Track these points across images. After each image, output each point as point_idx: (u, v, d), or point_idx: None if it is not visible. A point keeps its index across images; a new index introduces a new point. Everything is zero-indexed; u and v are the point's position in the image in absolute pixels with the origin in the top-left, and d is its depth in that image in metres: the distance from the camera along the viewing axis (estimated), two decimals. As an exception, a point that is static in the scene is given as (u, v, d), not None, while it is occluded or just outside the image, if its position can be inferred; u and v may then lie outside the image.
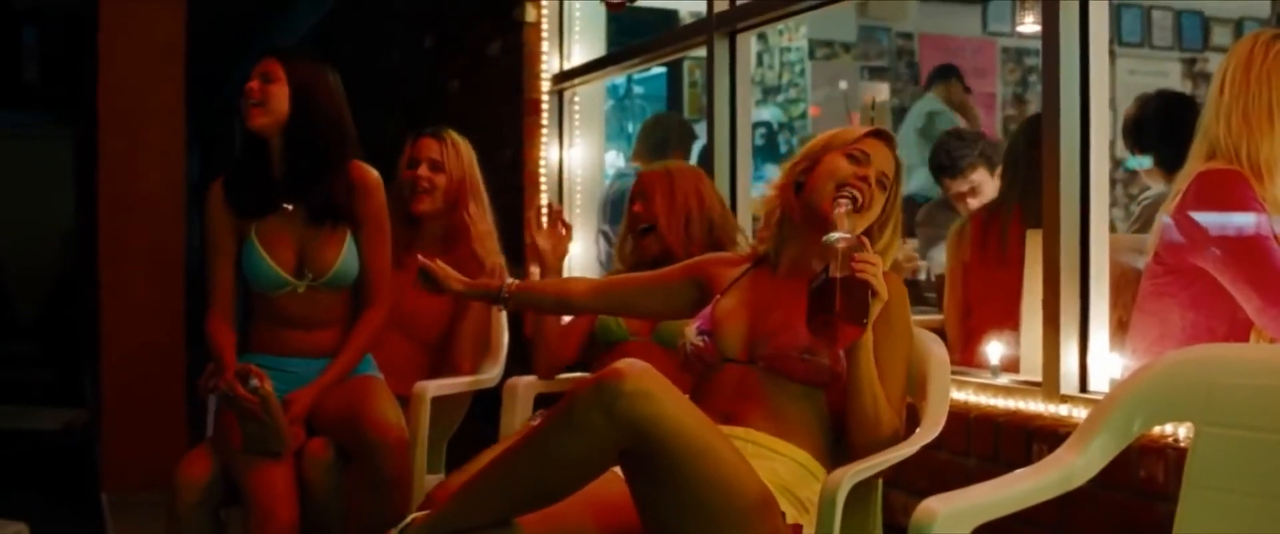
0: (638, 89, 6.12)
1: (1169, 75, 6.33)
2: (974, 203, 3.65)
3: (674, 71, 6.07)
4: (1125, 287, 2.45)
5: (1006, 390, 2.37)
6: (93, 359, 5.23)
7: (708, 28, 3.37)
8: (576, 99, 4.28)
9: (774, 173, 2.18)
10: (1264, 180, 2.15)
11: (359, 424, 2.51)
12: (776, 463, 1.93)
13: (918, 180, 4.95)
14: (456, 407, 3.04)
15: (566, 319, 2.92)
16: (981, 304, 2.89)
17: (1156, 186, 3.42)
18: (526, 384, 2.90)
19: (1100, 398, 2.00)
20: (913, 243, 4.07)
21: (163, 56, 4.79)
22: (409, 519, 1.85)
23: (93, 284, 5.02)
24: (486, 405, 3.07)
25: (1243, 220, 2.13)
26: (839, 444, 2.01)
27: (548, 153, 4.28)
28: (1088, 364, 2.22)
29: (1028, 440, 2.24)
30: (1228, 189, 2.15)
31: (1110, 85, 2.33)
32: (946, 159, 3.77)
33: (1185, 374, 1.75)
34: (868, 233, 2.04)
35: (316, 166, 2.59)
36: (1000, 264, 2.82)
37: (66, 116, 9.63)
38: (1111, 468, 1.76)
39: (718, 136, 3.33)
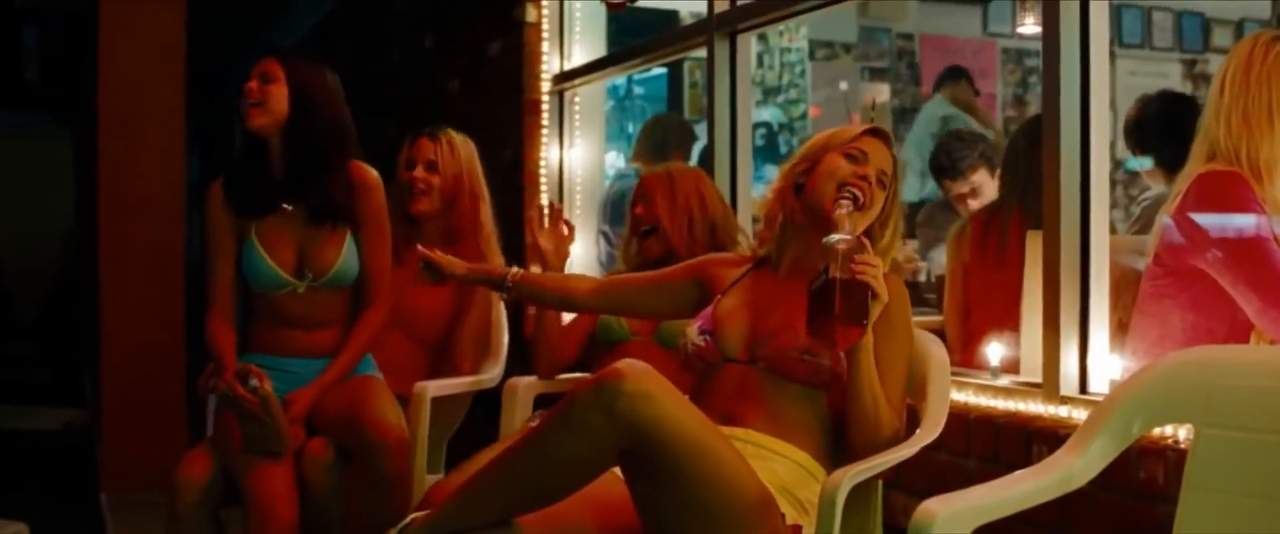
0: (638, 89, 6.12)
1: (1169, 76, 6.32)
2: (974, 204, 3.65)
3: (674, 72, 6.07)
4: (1125, 288, 2.45)
5: (1006, 392, 2.37)
6: (93, 359, 5.23)
7: (708, 28, 3.37)
8: (577, 99, 4.28)
9: (774, 173, 2.18)
10: (1264, 182, 2.15)
11: (359, 424, 2.51)
12: (776, 464, 1.93)
13: (932, 185, 4.91)
14: (456, 407, 3.04)
15: (567, 319, 2.92)
16: (981, 305, 2.89)
17: (1158, 187, 3.42)
18: (526, 384, 2.90)
19: (1100, 399, 2.00)
20: (913, 244, 4.07)
21: (163, 56, 4.79)
22: (408, 519, 1.85)
23: (93, 284, 5.03)
24: (486, 405, 3.07)
25: (1243, 222, 2.13)
26: (839, 445, 2.01)
27: (548, 153, 4.28)
28: (1088, 365, 2.22)
29: (1028, 442, 2.24)
30: (1228, 190, 2.15)
31: (1110, 86, 2.33)
32: (947, 160, 3.77)
33: (1185, 376, 1.75)
34: (868, 232, 2.04)
35: (316, 166, 2.59)
36: (1000, 265, 2.82)
37: (66, 116, 9.63)
38: (1111, 469, 1.76)
39: (718, 137, 3.33)
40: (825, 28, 6.11)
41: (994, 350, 2.46)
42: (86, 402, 6.24)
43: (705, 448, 1.71)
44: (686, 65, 5.92)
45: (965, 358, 2.77)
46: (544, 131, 4.29)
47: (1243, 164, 2.16)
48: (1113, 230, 2.53)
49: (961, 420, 2.36)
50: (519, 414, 2.86)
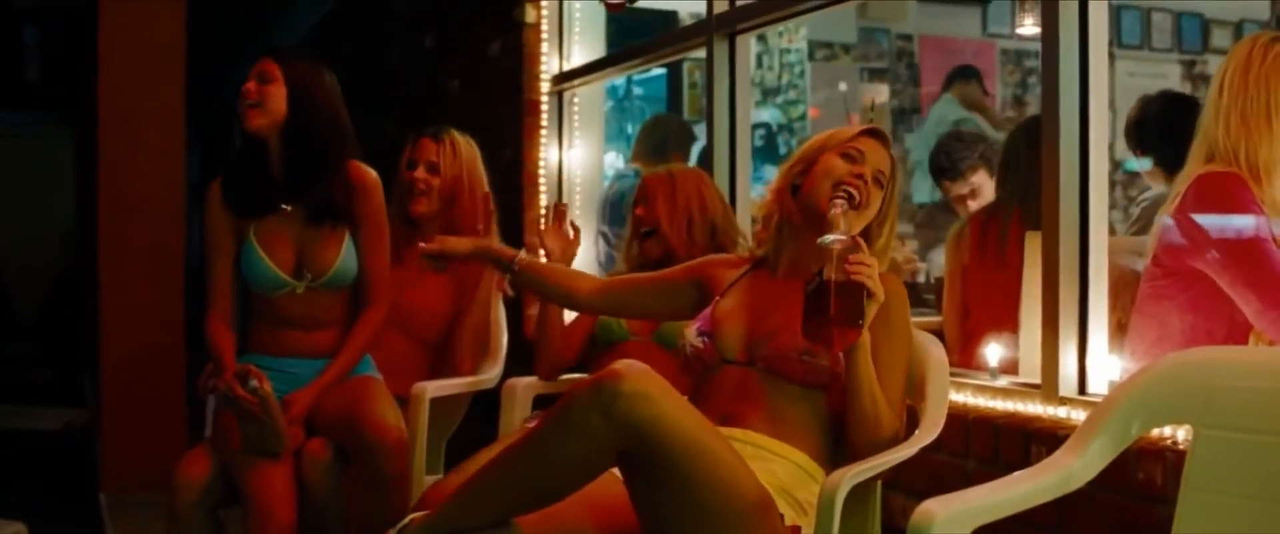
0: (637, 90, 6.12)
1: (1168, 77, 6.32)
2: (974, 205, 3.65)
3: (674, 73, 6.07)
4: (1124, 289, 2.45)
5: (1005, 392, 2.37)
6: (92, 359, 5.23)
7: (707, 29, 3.37)
8: (576, 100, 4.28)
9: (774, 174, 2.19)
10: (1262, 183, 2.15)
11: (358, 424, 2.51)
12: (775, 464, 1.93)
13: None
14: (455, 407, 3.04)
15: (570, 318, 2.91)
16: (980, 306, 2.89)
17: (1159, 187, 3.42)
18: (525, 385, 2.91)
19: (1099, 400, 2.00)
20: (912, 245, 4.07)
21: (162, 56, 4.79)
22: (407, 519, 1.85)
23: (92, 284, 5.03)
24: (485, 406, 3.07)
25: (1241, 223, 2.13)
26: (838, 446, 2.01)
27: (547, 154, 4.28)
28: (1086, 366, 2.22)
29: (1026, 442, 2.24)
30: (1226, 191, 2.15)
31: (1110, 87, 2.33)
32: (946, 161, 3.77)
33: (1184, 376, 1.75)
34: (867, 231, 2.04)
35: (315, 167, 2.59)
36: (999, 266, 2.82)
37: (66, 116, 9.63)
38: (1110, 470, 1.76)
39: (717, 138, 3.33)
40: (824, 28, 6.11)
41: (993, 351, 2.46)
42: (86, 402, 6.24)
43: (704, 448, 1.71)
44: (686, 66, 5.92)
45: (964, 359, 2.77)
46: (543, 132, 4.29)
47: (1241, 165, 2.16)
48: (1112, 231, 2.53)
49: (960, 421, 2.36)
50: (518, 415, 2.86)
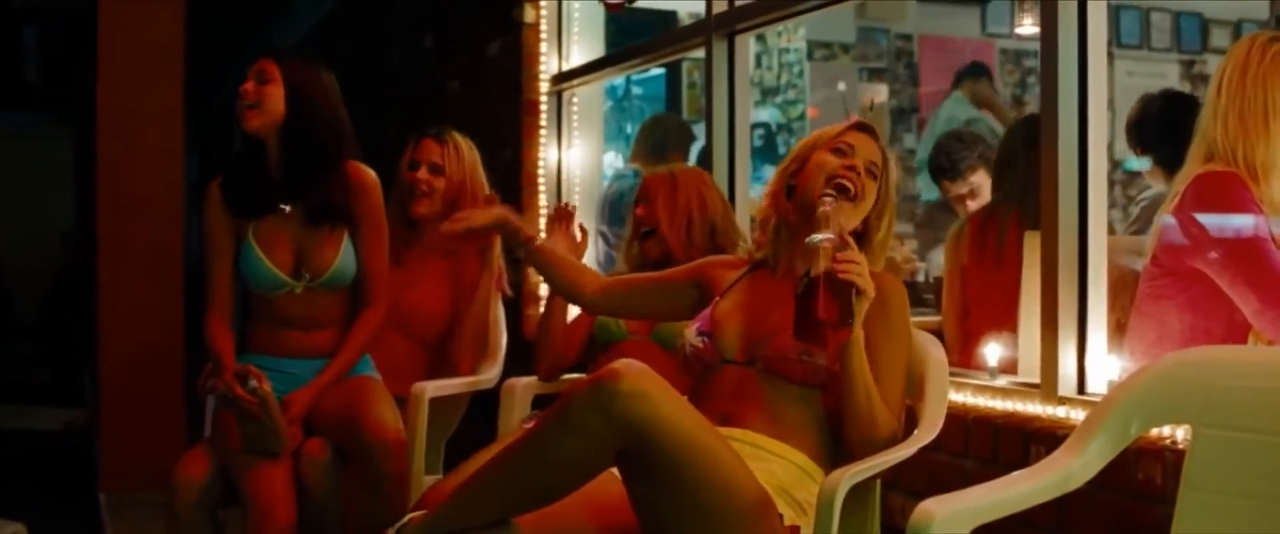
0: (636, 90, 6.12)
1: (1167, 77, 6.32)
2: (973, 205, 3.65)
3: (673, 73, 6.07)
4: (1123, 288, 2.45)
5: (1004, 392, 2.37)
6: (92, 359, 5.23)
7: (706, 29, 3.37)
8: (575, 100, 4.28)
9: (772, 174, 2.20)
10: (1261, 182, 2.15)
11: (357, 425, 2.51)
12: (774, 464, 1.93)
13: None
14: (454, 407, 3.04)
15: (573, 314, 2.91)
16: (979, 306, 2.89)
17: (1159, 187, 3.42)
18: (525, 385, 2.91)
19: (1098, 400, 2.00)
20: (911, 245, 4.07)
21: (162, 56, 4.79)
22: (406, 519, 1.85)
23: (92, 284, 5.02)
24: (484, 406, 3.07)
25: (1240, 222, 2.13)
26: (837, 446, 2.01)
27: (546, 153, 4.28)
28: (1086, 366, 2.22)
29: (1026, 442, 2.24)
30: (1225, 191, 2.15)
31: (1109, 87, 2.33)
32: (946, 161, 3.77)
33: (1183, 376, 1.75)
34: (865, 224, 2.05)
35: (313, 167, 2.59)
36: (998, 266, 2.82)
37: (66, 116, 9.63)
38: (1109, 470, 1.76)
39: (716, 138, 3.33)
40: (823, 28, 6.11)
41: (992, 351, 2.46)
42: (86, 402, 6.24)
43: (702, 448, 1.71)
44: (685, 66, 5.92)
45: (963, 358, 2.77)
46: (542, 132, 4.29)
47: (1240, 165, 2.16)
48: (1111, 231, 2.53)
49: (960, 421, 2.36)
50: (517, 415, 2.86)
